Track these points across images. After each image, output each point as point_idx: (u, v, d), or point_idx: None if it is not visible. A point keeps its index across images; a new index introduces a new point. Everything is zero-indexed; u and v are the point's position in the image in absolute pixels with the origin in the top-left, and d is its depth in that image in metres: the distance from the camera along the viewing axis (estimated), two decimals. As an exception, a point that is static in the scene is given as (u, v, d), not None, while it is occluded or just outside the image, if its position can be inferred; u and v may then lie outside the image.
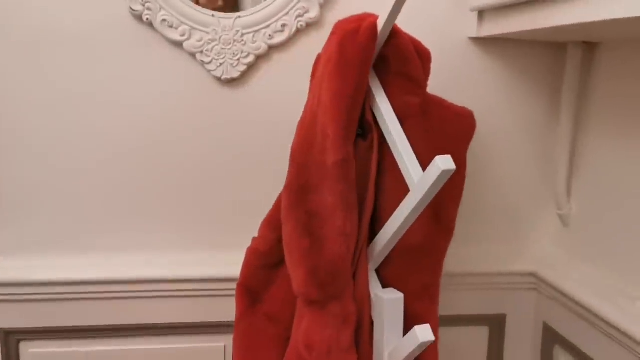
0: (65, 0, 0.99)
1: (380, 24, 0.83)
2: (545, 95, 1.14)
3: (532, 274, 1.18)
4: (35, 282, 1.02)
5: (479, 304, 1.19)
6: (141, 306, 1.06)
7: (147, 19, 0.99)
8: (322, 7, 1.04)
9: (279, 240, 0.92)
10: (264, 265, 0.93)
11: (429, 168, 0.76)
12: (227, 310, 1.04)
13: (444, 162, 0.74)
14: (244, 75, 1.05)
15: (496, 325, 1.21)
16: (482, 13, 1.06)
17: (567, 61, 1.09)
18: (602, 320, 0.98)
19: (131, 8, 0.99)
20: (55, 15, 0.99)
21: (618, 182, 1.02)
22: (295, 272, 0.85)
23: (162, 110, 1.05)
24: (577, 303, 1.05)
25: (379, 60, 0.86)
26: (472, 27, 1.08)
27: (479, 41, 1.10)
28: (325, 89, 0.84)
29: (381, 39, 0.84)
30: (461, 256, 1.14)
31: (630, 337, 0.92)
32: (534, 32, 0.95)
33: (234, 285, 1.02)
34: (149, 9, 0.99)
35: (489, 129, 1.10)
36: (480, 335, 1.21)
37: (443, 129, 0.90)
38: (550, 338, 1.16)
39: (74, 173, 1.05)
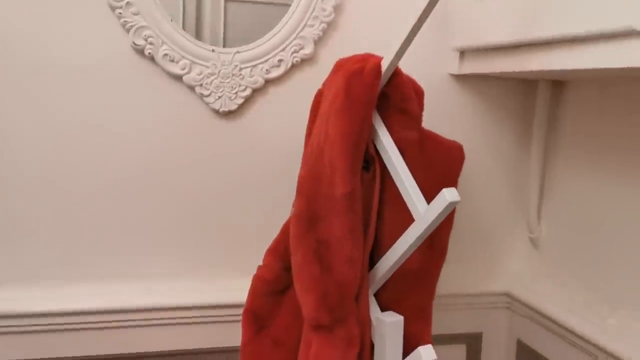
0: (69, 33, 1.00)
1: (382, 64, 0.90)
2: (517, 128, 1.23)
3: (506, 294, 1.26)
4: (33, 314, 1.01)
5: (456, 323, 1.26)
6: (141, 335, 1.06)
7: (149, 53, 1.02)
8: (316, 44, 1.09)
9: (285, 269, 0.96)
10: (271, 292, 0.97)
11: (436, 199, 0.82)
12: (227, 336, 1.07)
13: (450, 194, 0.80)
14: (241, 107, 1.08)
15: (473, 343, 1.28)
16: (463, 53, 1.15)
17: (538, 97, 1.19)
18: (573, 333, 1.07)
19: (134, 42, 1.01)
20: (59, 48, 1.00)
21: (583, 208, 1.11)
22: (305, 298, 0.89)
23: (162, 141, 1.07)
24: (549, 319, 1.13)
25: (380, 97, 0.91)
26: (453, 65, 1.16)
27: (458, 77, 1.18)
28: (332, 125, 0.89)
29: (384, 79, 0.90)
30: (440, 278, 1.20)
31: (600, 348, 1.01)
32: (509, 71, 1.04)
33: (233, 312, 1.06)
34: (151, 43, 1.01)
35: (467, 159, 1.18)
36: (458, 353, 1.28)
37: (437, 161, 0.97)
38: (524, 354, 1.24)
39: (71, 202, 1.04)
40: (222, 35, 1.08)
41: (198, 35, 1.06)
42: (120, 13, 1.00)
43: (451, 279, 1.22)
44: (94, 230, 1.06)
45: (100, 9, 1.00)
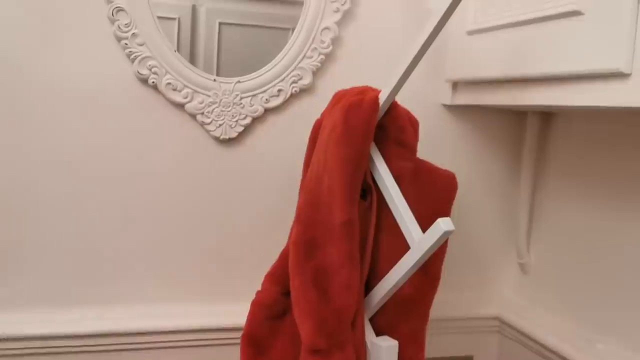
0: (75, 63, 1.03)
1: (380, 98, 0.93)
2: (508, 157, 1.27)
3: (496, 318, 1.29)
4: (34, 336, 1.02)
5: (448, 346, 1.28)
6: (141, 358, 1.07)
7: (153, 82, 1.05)
8: (315, 74, 1.13)
9: (282, 293, 0.98)
10: (268, 316, 0.98)
11: (431, 228, 0.85)
12: (227, 359, 1.09)
13: (445, 224, 0.83)
14: (241, 135, 1.11)
15: (464, 366, 1.31)
16: (456, 84, 1.19)
17: (527, 128, 1.23)
18: (562, 357, 1.10)
19: (138, 72, 1.04)
20: (66, 77, 1.03)
21: (571, 235, 1.15)
22: (303, 324, 0.91)
23: (163, 167, 1.09)
24: (538, 343, 1.16)
25: (378, 128, 0.94)
26: (446, 96, 1.20)
27: (451, 108, 1.22)
28: (331, 155, 0.92)
29: (381, 111, 0.93)
30: (433, 303, 1.23)
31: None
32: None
33: (232, 335, 1.07)
34: (155, 73, 1.04)
35: (459, 188, 1.21)
36: (449, 376, 1.31)
37: (431, 190, 1.00)
38: (514, 377, 1.27)
39: (73, 227, 1.06)
40: (215, 60, 1.10)
41: (192, 59, 1.08)
42: (125, 44, 1.03)
43: (443, 304, 1.24)
44: (95, 255, 1.08)
45: (106, 40, 1.03)
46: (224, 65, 1.10)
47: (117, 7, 1.02)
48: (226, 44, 1.10)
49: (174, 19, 1.07)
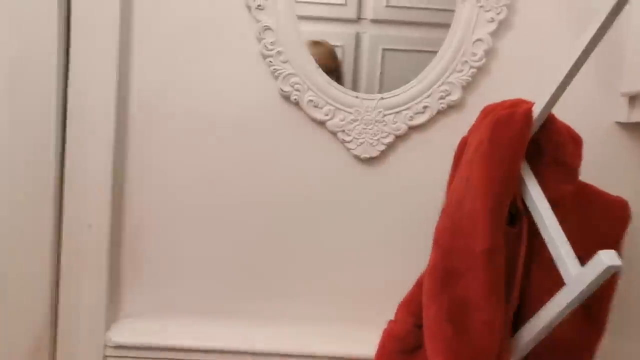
0: (222, 85, 1.07)
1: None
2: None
3: (683, 378, 1.08)
4: (172, 347, 1.05)
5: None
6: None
7: (295, 99, 1.05)
8: (464, 89, 1.05)
9: (417, 325, 0.90)
10: (401, 350, 0.91)
11: (591, 262, 0.72)
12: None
13: (609, 258, 0.70)
14: (382, 154, 1.07)
15: None
16: (633, 99, 1.03)
17: None
18: None
19: (281, 89, 1.05)
20: (213, 100, 1.07)
21: None
22: (435, 360, 0.82)
23: (303, 185, 1.09)
24: None
25: (531, 146, 0.84)
26: (621, 112, 1.05)
27: (628, 126, 1.06)
28: (475, 174, 0.83)
29: (535, 126, 0.83)
30: (605, 352, 1.06)
31: None
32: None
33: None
34: (297, 90, 1.04)
35: (636, 216, 1.05)
36: None
37: (597, 219, 0.87)
38: None
39: (220, 243, 1.09)
40: (378, 83, 1.08)
41: (355, 84, 1.07)
42: (270, 61, 1.04)
43: (612, 355, 1.06)
44: (238, 271, 1.10)
45: (252, 58, 1.06)
46: (386, 91, 1.07)
47: (265, 26, 1.04)
48: (389, 69, 1.08)
49: (338, 46, 1.08)
